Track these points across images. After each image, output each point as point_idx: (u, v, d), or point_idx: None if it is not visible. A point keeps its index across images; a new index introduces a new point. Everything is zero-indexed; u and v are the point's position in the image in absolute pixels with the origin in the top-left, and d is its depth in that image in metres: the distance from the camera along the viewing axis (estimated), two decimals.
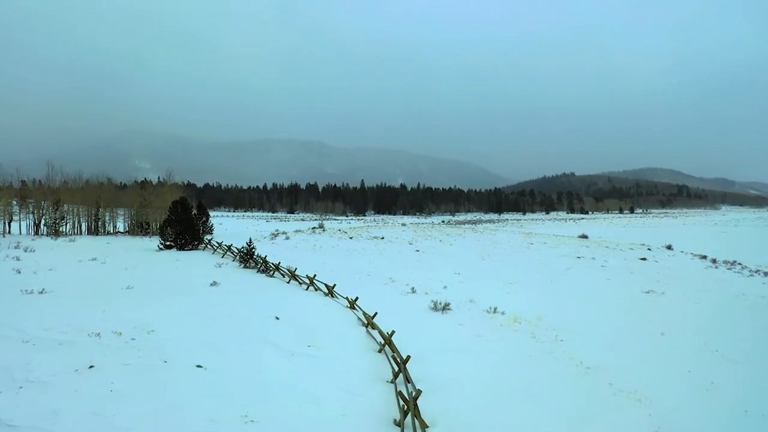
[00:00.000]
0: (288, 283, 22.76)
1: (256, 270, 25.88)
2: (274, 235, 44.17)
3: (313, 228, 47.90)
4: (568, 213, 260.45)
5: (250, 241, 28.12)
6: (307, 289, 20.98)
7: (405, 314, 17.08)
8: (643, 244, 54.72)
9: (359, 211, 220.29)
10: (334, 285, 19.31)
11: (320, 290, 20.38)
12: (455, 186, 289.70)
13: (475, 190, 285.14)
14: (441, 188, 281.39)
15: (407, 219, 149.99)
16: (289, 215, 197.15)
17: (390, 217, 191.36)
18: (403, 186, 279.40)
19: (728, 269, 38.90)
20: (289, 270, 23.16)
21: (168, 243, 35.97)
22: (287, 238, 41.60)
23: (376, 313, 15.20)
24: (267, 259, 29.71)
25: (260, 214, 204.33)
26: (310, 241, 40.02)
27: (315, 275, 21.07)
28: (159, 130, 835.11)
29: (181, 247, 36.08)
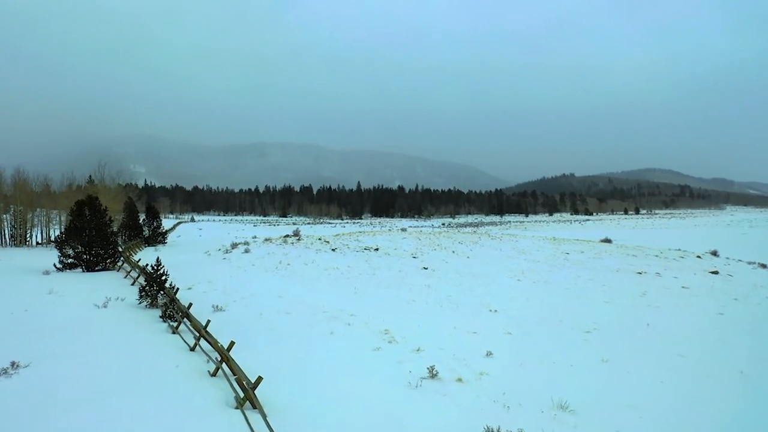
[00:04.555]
0: (192, 349, 12.04)
1: (161, 314, 15.11)
2: (234, 246, 33.33)
3: (286, 236, 37.02)
4: (572, 214, 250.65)
5: (158, 263, 17.29)
6: (214, 374, 10.26)
7: None
8: (679, 250, 45.71)
9: (355, 213, 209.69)
10: (257, 382, 8.35)
11: (242, 375, 9.60)
12: (454, 188, 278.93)
13: (476, 192, 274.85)
14: (440, 190, 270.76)
15: (406, 222, 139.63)
16: (280, 219, 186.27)
17: (387, 219, 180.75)
18: (401, 188, 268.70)
19: None
20: (197, 327, 12.36)
21: (70, 261, 25.16)
22: (246, 251, 30.71)
23: None
24: (191, 289, 19.10)
25: (250, 218, 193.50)
26: (277, 255, 29.18)
27: (232, 345, 10.25)
28: (155, 135, 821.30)
29: (89, 267, 25.29)
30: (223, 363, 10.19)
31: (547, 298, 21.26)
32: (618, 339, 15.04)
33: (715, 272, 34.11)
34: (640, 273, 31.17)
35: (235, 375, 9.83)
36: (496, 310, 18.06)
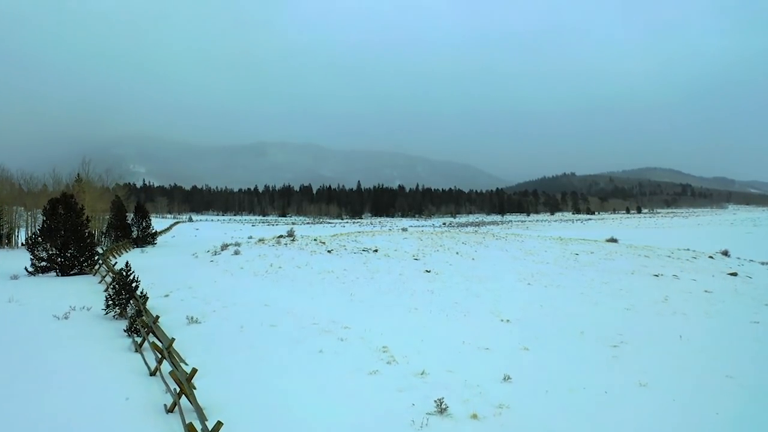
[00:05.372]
0: (153, 374, 10.10)
1: (126, 325, 13.19)
2: (224, 247, 31.39)
3: (279, 237, 35.06)
4: (573, 213, 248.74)
5: (128, 267, 15.38)
6: (171, 410, 8.33)
7: None
8: (689, 250, 44.09)
9: (355, 213, 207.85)
10: (214, 425, 6.45)
11: (201, 414, 7.67)
12: (455, 187, 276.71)
13: (476, 191, 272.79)
14: (441, 189, 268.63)
15: (406, 222, 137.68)
16: (279, 219, 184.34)
17: (388, 219, 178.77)
18: (401, 187, 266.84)
19: None
20: (158, 346, 10.42)
21: (43, 264, 23.24)
22: (236, 253, 28.76)
23: None
24: (168, 297, 17.22)
25: (249, 218, 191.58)
26: (268, 257, 27.24)
27: (195, 372, 8.31)
28: (155, 136, 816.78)
29: (63, 270, 23.38)
30: (187, 396, 8.26)
31: (562, 305, 19.33)
32: (650, 355, 13.12)
33: (734, 274, 32.27)
34: (656, 275, 29.24)
35: (195, 411, 7.90)
36: (508, 320, 16.12)
